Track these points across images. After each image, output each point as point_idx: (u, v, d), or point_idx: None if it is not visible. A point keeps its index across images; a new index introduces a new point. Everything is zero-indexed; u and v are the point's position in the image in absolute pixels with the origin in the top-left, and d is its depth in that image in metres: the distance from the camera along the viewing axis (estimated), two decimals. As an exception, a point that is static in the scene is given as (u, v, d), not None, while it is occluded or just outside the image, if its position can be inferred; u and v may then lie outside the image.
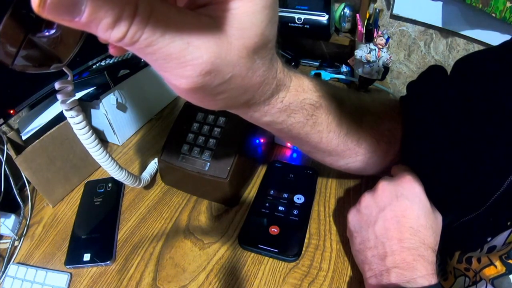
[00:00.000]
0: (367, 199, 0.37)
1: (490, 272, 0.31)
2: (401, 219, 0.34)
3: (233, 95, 0.24)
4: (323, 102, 0.33)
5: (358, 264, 0.38)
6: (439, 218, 0.37)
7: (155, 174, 0.53)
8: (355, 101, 0.39)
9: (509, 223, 0.31)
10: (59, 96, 0.32)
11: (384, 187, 0.37)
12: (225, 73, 0.21)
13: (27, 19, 0.20)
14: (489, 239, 0.33)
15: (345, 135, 0.37)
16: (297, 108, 0.30)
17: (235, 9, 0.19)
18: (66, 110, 0.33)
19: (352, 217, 0.39)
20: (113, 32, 0.16)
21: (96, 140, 0.36)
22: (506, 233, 0.31)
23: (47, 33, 0.21)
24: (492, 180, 0.33)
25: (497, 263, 0.31)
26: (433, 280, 0.31)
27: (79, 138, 0.35)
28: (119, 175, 0.41)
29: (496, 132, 0.33)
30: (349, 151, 0.39)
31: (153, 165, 0.52)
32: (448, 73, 0.41)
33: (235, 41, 0.20)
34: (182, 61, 0.19)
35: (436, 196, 0.38)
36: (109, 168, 0.39)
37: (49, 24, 0.21)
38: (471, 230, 0.36)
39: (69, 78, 0.32)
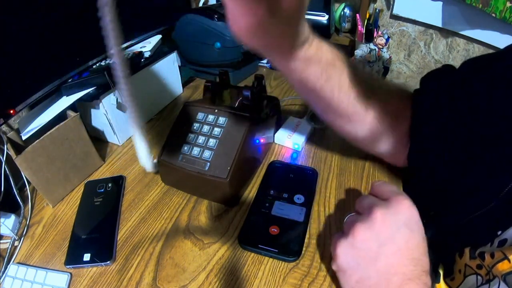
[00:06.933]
0: (362, 232, 0.33)
1: (503, 267, 0.31)
2: (404, 251, 0.32)
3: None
4: (337, 63, 0.38)
5: None
6: (423, 234, 0.34)
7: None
8: (368, 76, 0.43)
9: None
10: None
11: (383, 217, 0.32)
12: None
13: None
14: (499, 232, 0.33)
15: (354, 98, 0.40)
16: (316, 61, 0.36)
17: None
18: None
19: (344, 251, 0.34)
20: None
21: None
22: None
23: None
24: (501, 175, 0.33)
25: (511, 256, 0.31)
26: None
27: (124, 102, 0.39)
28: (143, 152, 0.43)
29: (505, 128, 0.34)
30: (357, 116, 0.42)
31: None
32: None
33: None
34: None
35: (445, 193, 0.38)
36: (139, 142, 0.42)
37: None
38: (480, 225, 0.37)
39: None
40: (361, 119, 0.42)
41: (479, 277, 0.35)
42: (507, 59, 0.37)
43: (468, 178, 0.38)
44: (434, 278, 0.42)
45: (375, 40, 0.69)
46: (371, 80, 0.43)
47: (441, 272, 0.42)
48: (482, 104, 0.36)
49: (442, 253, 0.43)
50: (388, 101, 0.43)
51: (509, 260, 0.31)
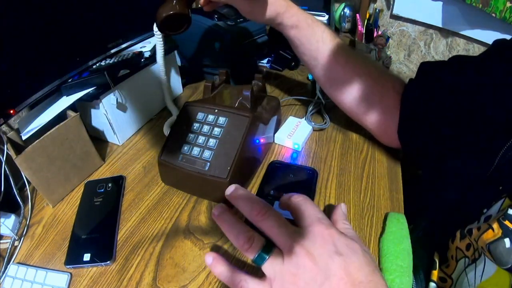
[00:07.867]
0: (297, 283, 0.28)
1: (487, 236, 0.33)
2: (347, 279, 0.27)
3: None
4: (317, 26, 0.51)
5: None
6: (358, 241, 0.31)
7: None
8: (355, 52, 0.53)
9: (504, 195, 0.34)
10: None
11: (311, 255, 0.28)
12: None
13: None
14: (485, 210, 0.36)
15: (342, 59, 0.50)
16: (304, 27, 0.50)
17: None
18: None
19: None
20: None
21: None
22: (499, 203, 0.34)
23: None
24: (487, 156, 0.36)
25: (495, 225, 0.33)
26: None
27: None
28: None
29: (489, 113, 0.37)
30: (338, 72, 0.51)
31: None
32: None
33: None
34: None
35: (437, 181, 0.41)
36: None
37: None
38: (468, 206, 0.39)
39: None
40: (346, 79, 0.50)
41: (466, 259, 0.37)
42: (491, 53, 0.42)
43: (456, 160, 0.41)
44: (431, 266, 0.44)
45: (375, 40, 0.69)
46: (356, 52, 0.53)
47: (436, 260, 0.43)
48: (468, 91, 0.39)
49: (436, 242, 0.44)
50: (375, 70, 0.50)
51: (493, 229, 0.32)
